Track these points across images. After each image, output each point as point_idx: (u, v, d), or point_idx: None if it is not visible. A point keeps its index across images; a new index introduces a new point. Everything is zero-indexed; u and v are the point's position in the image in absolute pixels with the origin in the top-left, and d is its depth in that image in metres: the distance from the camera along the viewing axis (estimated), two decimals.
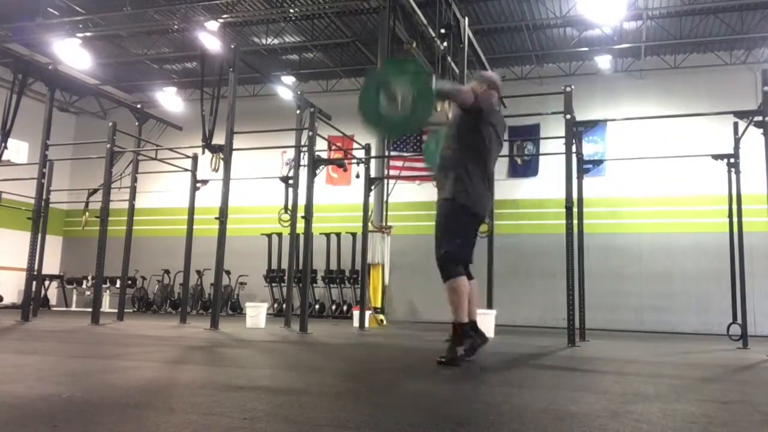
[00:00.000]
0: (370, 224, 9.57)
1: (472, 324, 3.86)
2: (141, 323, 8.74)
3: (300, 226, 8.08)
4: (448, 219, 3.87)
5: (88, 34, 13.43)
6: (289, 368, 3.16)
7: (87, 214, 11.03)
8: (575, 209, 6.97)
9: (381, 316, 10.58)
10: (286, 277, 10.23)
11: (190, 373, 3.18)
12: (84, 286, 15.18)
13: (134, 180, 9.56)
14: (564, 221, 6.45)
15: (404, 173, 13.63)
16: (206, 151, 7.89)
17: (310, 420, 1.87)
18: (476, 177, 3.86)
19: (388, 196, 11.19)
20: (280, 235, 13.16)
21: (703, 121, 11.61)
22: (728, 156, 7.31)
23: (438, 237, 3.88)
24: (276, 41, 14.15)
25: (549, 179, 13.44)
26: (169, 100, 16.34)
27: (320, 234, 12.77)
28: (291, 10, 12.65)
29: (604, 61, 13.84)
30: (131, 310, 14.24)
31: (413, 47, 10.86)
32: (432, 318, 12.56)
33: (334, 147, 10.81)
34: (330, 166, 12.33)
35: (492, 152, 4.00)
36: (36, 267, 8.83)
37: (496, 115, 4.06)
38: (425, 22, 10.62)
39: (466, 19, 8.24)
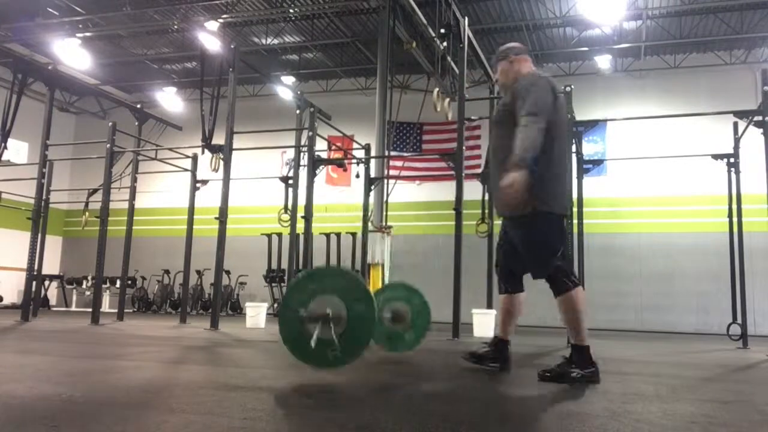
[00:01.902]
0: (370, 224, 9.57)
1: (503, 342, 3.47)
2: (141, 323, 8.74)
3: (300, 226, 8.07)
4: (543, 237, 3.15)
5: (87, 34, 13.42)
6: (289, 368, 3.16)
7: (87, 214, 11.03)
8: (575, 209, 6.98)
9: None
10: (286, 277, 10.22)
11: (190, 373, 3.17)
12: (84, 286, 15.17)
13: (134, 180, 9.56)
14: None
15: (404, 173, 13.63)
16: (206, 151, 7.89)
17: (310, 420, 1.87)
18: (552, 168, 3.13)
19: (388, 196, 11.18)
20: (280, 235, 13.14)
21: (703, 121, 11.60)
22: (728, 156, 7.31)
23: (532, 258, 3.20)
24: (276, 41, 14.14)
25: None
26: (169, 100, 16.34)
27: (320, 234, 12.77)
28: (291, 10, 12.65)
29: (604, 61, 13.83)
30: (131, 310, 14.23)
31: (413, 47, 10.85)
32: (431, 318, 12.55)
33: (334, 147, 10.80)
34: (330, 166, 12.33)
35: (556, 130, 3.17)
36: (36, 267, 8.83)
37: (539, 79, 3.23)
38: (425, 22, 10.61)
39: (466, 19, 8.22)
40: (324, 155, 9.74)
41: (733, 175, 7.28)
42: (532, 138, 2.95)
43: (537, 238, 3.13)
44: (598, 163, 9.38)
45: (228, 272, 13.44)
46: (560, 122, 3.20)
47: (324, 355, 2.70)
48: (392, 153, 13.40)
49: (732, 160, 7.28)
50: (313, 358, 2.76)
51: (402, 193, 13.56)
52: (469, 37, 8.30)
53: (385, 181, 10.92)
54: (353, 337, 2.71)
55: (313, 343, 2.64)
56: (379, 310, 3.66)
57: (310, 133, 7.93)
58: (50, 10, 12.76)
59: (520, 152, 2.92)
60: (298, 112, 9.92)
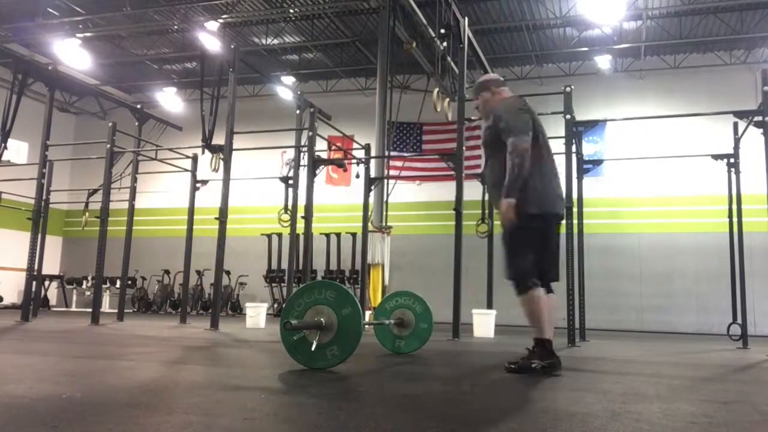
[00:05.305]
0: (370, 224, 9.57)
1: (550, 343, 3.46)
2: (141, 323, 8.74)
3: (300, 226, 8.08)
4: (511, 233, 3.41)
5: (88, 34, 13.42)
6: (289, 368, 3.16)
7: (87, 214, 11.04)
8: (575, 209, 6.98)
9: None
10: (286, 277, 10.23)
11: (191, 373, 3.18)
12: (84, 286, 15.17)
13: (134, 180, 9.57)
14: (564, 221, 6.44)
15: (404, 173, 13.63)
16: (206, 151, 7.90)
17: (310, 420, 1.87)
18: (533, 177, 3.39)
19: (388, 196, 11.18)
20: (280, 235, 13.16)
21: (703, 121, 11.60)
22: (728, 156, 7.31)
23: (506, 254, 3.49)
24: (276, 41, 14.14)
25: None
26: (169, 100, 16.34)
27: (320, 234, 12.78)
28: (291, 10, 12.65)
29: (604, 61, 13.83)
30: (131, 311, 14.23)
31: (413, 47, 10.85)
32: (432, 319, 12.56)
33: (334, 147, 10.81)
34: (330, 166, 12.33)
35: (539, 140, 3.50)
36: (36, 267, 8.83)
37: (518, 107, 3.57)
38: (425, 22, 10.62)
39: (466, 19, 8.22)
40: (324, 155, 9.74)
41: (733, 176, 7.28)
42: (518, 164, 3.29)
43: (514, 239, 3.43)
44: (597, 163, 9.37)
45: (228, 272, 13.44)
46: (539, 134, 3.51)
47: (323, 355, 3.06)
48: (392, 153, 13.41)
49: (732, 160, 7.28)
50: (313, 359, 3.08)
51: (402, 193, 13.57)
52: (469, 37, 8.30)
53: (385, 181, 10.93)
54: (345, 337, 3.08)
55: (313, 347, 3.02)
56: (386, 316, 4.37)
57: (310, 133, 7.93)
58: (50, 10, 12.76)
59: (508, 184, 3.31)
60: (298, 112, 9.92)
